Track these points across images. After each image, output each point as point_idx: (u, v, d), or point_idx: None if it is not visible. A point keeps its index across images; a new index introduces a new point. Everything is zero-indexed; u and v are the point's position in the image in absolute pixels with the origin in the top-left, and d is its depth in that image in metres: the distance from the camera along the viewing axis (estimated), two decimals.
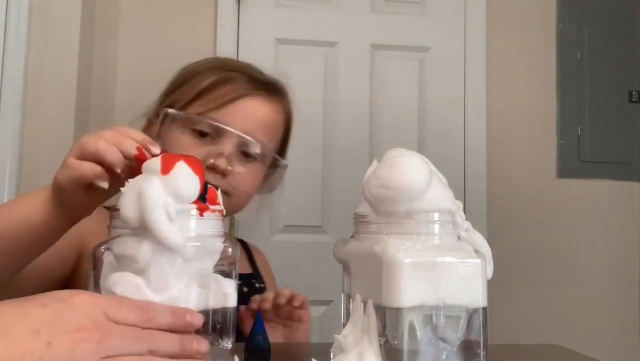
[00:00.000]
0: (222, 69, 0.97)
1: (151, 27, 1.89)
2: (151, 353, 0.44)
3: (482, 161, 1.99)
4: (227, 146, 0.90)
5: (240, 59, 1.87)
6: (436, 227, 0.56)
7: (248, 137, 0.91)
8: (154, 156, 0.60)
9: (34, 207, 0.66)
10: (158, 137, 0.91)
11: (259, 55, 1.74)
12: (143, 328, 0.45)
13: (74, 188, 0.63)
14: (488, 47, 2.02)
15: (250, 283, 1.06)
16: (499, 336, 1.70)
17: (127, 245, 0.51)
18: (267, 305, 0.89)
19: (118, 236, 0.53)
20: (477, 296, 0.54)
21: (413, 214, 0.56)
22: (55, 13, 1.60)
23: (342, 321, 0.62)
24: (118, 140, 0.61)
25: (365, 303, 0.56)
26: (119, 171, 0.61)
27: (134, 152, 0.60)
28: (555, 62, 2.06)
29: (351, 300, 0.59)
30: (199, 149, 0.89)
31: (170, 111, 0.90)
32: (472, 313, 0.55)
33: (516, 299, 1.95)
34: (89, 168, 0.61)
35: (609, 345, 1.95)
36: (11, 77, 1.52)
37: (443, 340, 0.54)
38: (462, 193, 1.94)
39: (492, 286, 0.56)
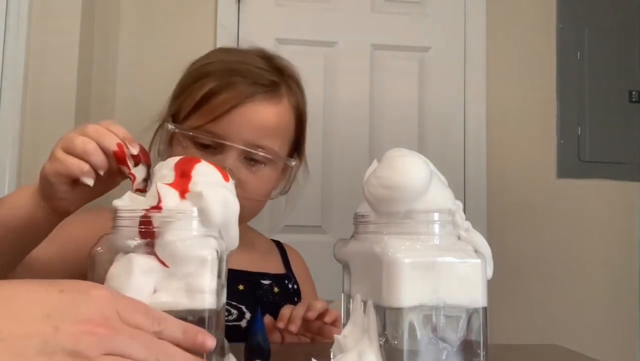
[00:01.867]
0: (223, 73, 0.93)
1: (151, 27, 1.89)
2: None
3: (482, 161, 1.99)
4: (229, 160, 0.88)
5: None
6: (436, 227, 0.56)
7: (247, 149, 0.89)
8: (132, 155, 0.63)
9: (23, 198, 0.69)
10: (169, 146, 0.91)
11: None
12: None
13: (60, 181, 0.65)
14: (488, 47, 2.02)
15: (282, 284, 1.04)
16: (499, 336, 1.70)
17: (197, 245, 0.52)
18: (294, 328, 0.85)
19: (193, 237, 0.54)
20: (477, 296, 0.54)
21: (413, 214, 0.56)
22: (55, 13, 1.60)
23: (342, 321, 0.62)
24: (100, 134, 0.64)
25: (365, 303, 0.56)
26: (101, 173, 0.64)
27: (114, 148, 0.63)
28: (555, 62, 2.06)
29: (351, 300, 0.59)
30: None
31: (170, 127, 0.89)
32: (472, 313, 0.55)
33: (516, 299, 1.95)
34: (77, 165, 0.64)
35: (609, 345, 1.95)
36: (11, 77, 1.52)
37: (443, 340, 0.54)
38: (462, 193, 1.94)
39: (492, 286, 0.56)
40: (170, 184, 0.55)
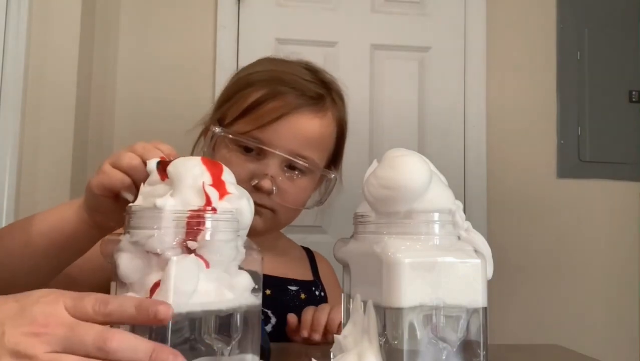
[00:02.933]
0: (271, 82, 0.94)
1: (151, 26, 1.89)
2: (106, 355, 0.42)
3: (482, 161, 1.99)
4: (271, 167, 0.90)
5: (240, 59, 1.87)
6: (436, 227, 0.56)
7: (291, 158, 0.90)
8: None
9: (68, 213, 0.71)
10: (213, 150, 0.93)
11: (259, 55, 1.73)
12: (106, 324, 0.44)
13: (103, 193, 0.67)
14: (488, 47, 2.02)
15: (310, 291, 1.05)
16: (499, 336, 1.71)
17: (240, 245, 0.56)
18: (318, 337, 0.87)
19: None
20: (477, 296, 0.54)
21: (413, 214, 0.56)
22: (55, 13, 1.60)
23: (342, 321, 0.62)
24: (146, 151, 0.66)
25: (365, 303, 0.56)
26: None
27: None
28: (555, 62, 2.06)
29: (351, 300, 0.59)
30: (245, 166, 0.90)
31: (217, 130, 0.91)
32: (472, 313, 0.54)
33: (516, 299, 1.95)
34: (120, 178, 0.65)
35: (609, 345, 1.95)
36: (11, 77, 1.52)
37: (443, 340, 0.54)
38: (462, 193, 1.94)
39: (492, 286, 0.56)
40: (212, 185, 0.55)
